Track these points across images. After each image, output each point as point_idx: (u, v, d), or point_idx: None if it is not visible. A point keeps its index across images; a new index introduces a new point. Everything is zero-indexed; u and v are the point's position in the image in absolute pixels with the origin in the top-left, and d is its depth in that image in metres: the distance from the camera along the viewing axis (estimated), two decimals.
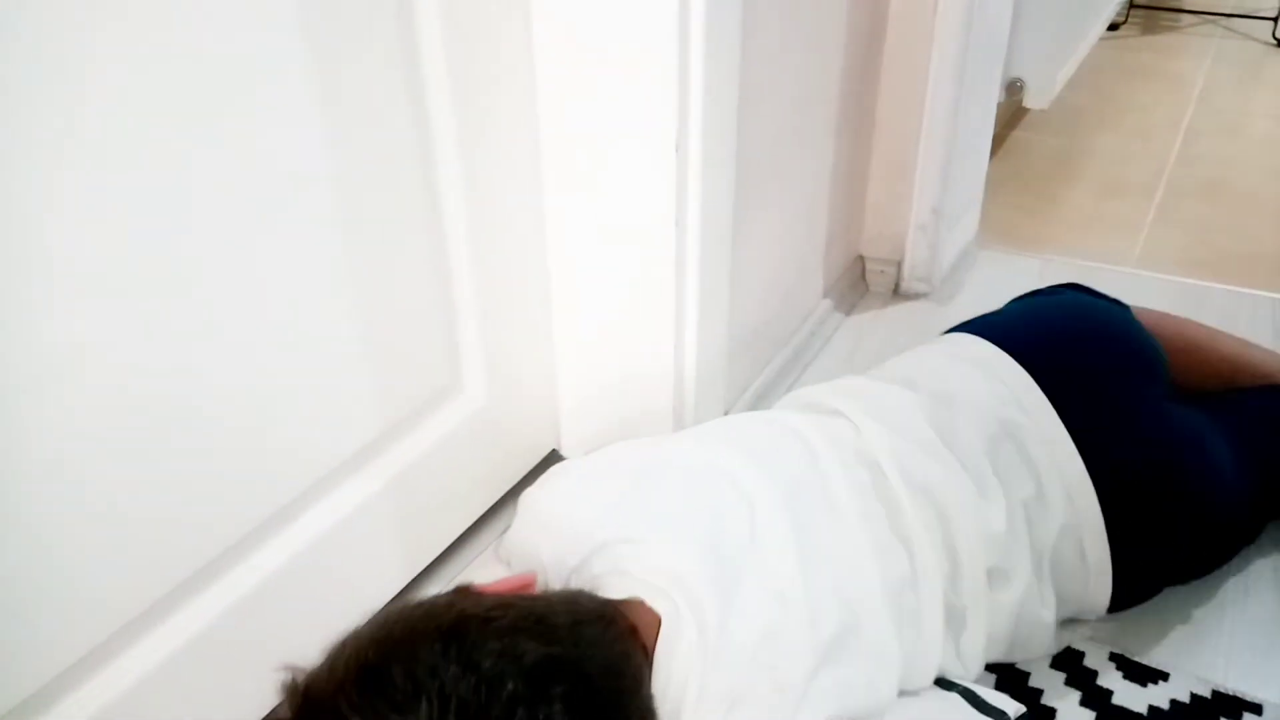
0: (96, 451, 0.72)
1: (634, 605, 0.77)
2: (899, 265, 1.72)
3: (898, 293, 1.74)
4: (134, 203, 0.70)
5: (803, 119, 1.38)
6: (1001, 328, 1.07)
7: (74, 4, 0.62)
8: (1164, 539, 0.99)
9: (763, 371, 1.44)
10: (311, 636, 0.95)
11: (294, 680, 0.64)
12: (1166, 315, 1.28)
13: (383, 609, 0.82)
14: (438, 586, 1.10)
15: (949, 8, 1.50)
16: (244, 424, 0.84)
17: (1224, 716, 0.97)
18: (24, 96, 0.61)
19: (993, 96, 1.80)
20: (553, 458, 1.28)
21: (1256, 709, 0.97)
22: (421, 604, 0.68)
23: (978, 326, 1.10)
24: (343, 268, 0.89)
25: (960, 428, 0.95)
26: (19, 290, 0.65)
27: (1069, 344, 1.06)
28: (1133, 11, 3.43)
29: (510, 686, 0.61)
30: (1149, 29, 3.37)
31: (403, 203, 0.94)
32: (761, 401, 1.42)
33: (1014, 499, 0.94)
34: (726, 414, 1.32)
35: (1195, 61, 3.04)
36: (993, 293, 1.51)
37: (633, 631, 0.74)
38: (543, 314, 1.18)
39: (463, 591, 0.71)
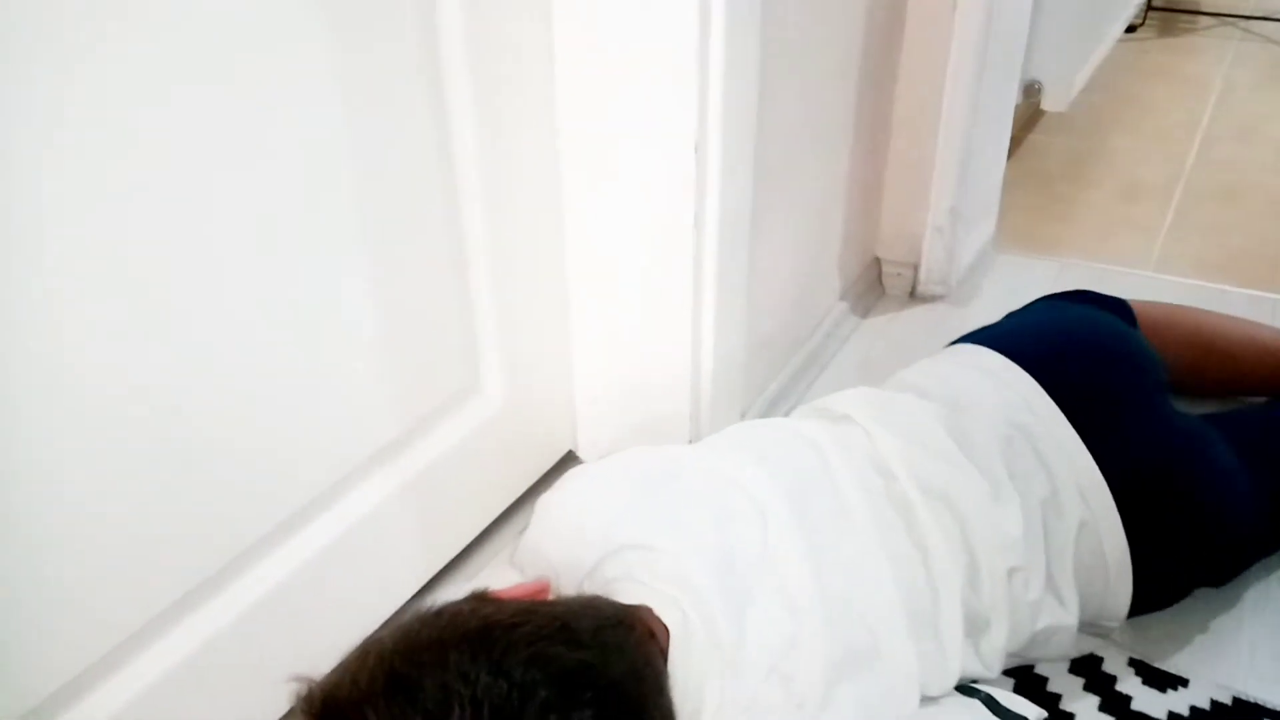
0: (108, 453, 0.72)
1: (645, 612, 0.77)
2: (915, 268, 1.71)
3: (914, 295, 1.73)
4: (140, 195, 0.69)
5: (820, 120, 1.38)
6: (1004, 339, 1.08)
7: None
8: (1176, 540, 0.99)
9: (779, 374, 1.44)
10: (329, 639, 0.95)
11: (309, 691, 0.63)
12: (1176, 306, 1.30)
13: (400, 618, 0.81)
14: (455, 587, 1.10)
15: (968, 10, 1.50)
16: (261, 425, 0.84)
17: None
18: (17, 81, 0.60)
19: (1010, 99, 1.79)
20: (569, 459, 1.28)
21: (1277, 716, 0.96)
22: (443, 611, 0.66)
23: (980, 338, 1.11)
24: (361, 267, 0.89)
25: (973, 432, 0.95)
26: (18, 288, 0.64)
27: (1070, 354, 1.06)
28: (1150, 13, 3.41)
29: (542, 694, 0.60)
30: (1166, 31, 3.36)
31: (420, 201, 0.94)
32: (777, 404, 1.42)
33: (1031, 500, 0.94)
34: (743, 416, 1.32)
35: (1213, 64, 3.02)
36: (1010, 295, 1.51)
37: (650, 636, 0.74)
38: (560, 314, 1.18)
39: (482, 598, 0.70)
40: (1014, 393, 1.00)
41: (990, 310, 1.47)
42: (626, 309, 1.16)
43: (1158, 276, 1.81)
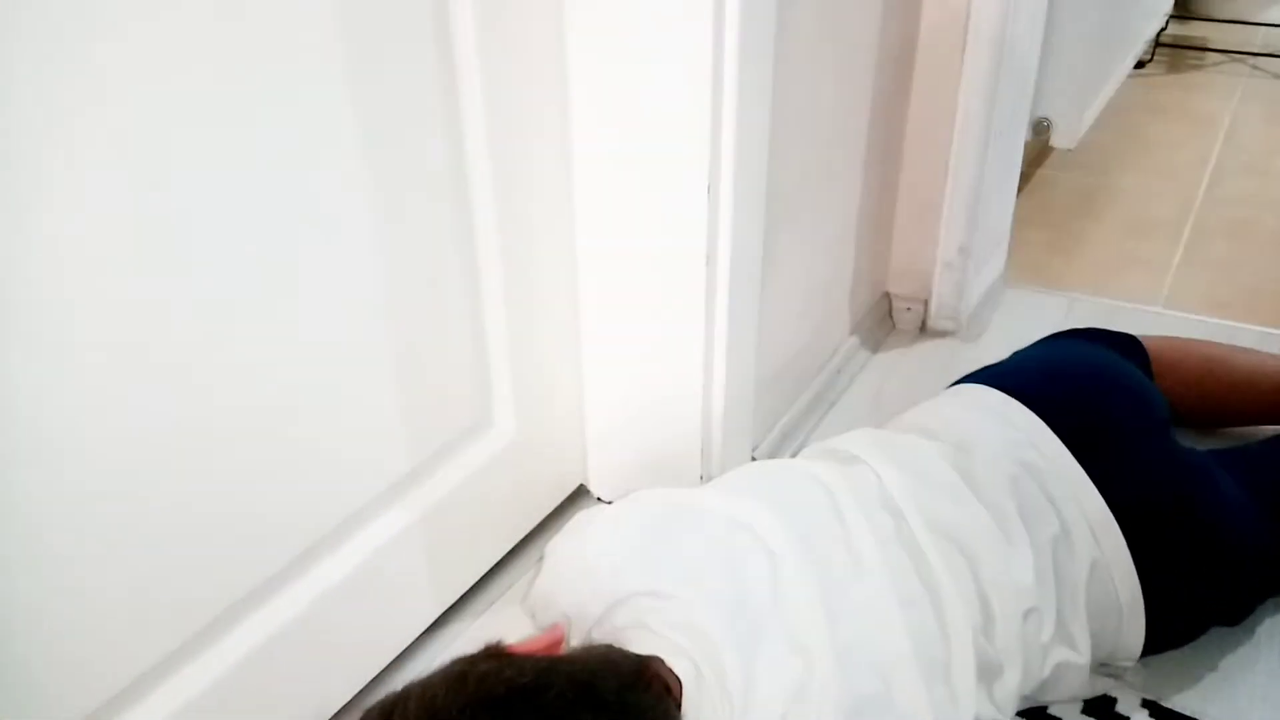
0: (112, 492, 0.72)
1: (657, 663, 0.77)
2: (925, 303, 1.72)
3: (924, 330, 1.74)
4: (152, 226, 0.70)
5: (831, 156, 1.39)
6: (1007, 378, 1.09)
7: None
8: (1186, 575, 0.99)
9: (789, 408, 1.44)
10: (341, 676, 0.96)
11: None
12: (1185, 340, 1.34)
13: (413, 659, 0.79)
14: (466, 622, 1.10)
15: (977, 48, 1.51)
16: (275, 462, 0.84)
17: None
18: (37, 92, 0.60)
19: (1020, 136, 1.80)
20: (581, 492, 1.29)
21: None
22: (466, 675, 0.66)
23: (984, 377, 1.11)
24: (377, 302, 0.90)
25: (981, 472, 0.95)
26: (35, 335, 0.65)
27: (1074, 391, 1.07)
28: (1159, 50, 3.43)
29: None
30: (1175, 67, 3.37)
31: (436, 238, 0.95)
32: (788, 439, 1.42)
33: (1041, 540, 0.94)
34: (754, 450, 1.32)
35: (1222, 100, 3.04)
36: (1020, 331, 1.51)
37: (666, 690, 0.74)
38: (572, 348, 1.19)
39: (499, 655, 0.70)
40: (1020, 432, 1.00)
41: (1000, 345, 1.47)
42: (639, 343, 1.17)
43: (1167, 313, 1.81)
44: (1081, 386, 1.07)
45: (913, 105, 1.61)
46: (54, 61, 0.60)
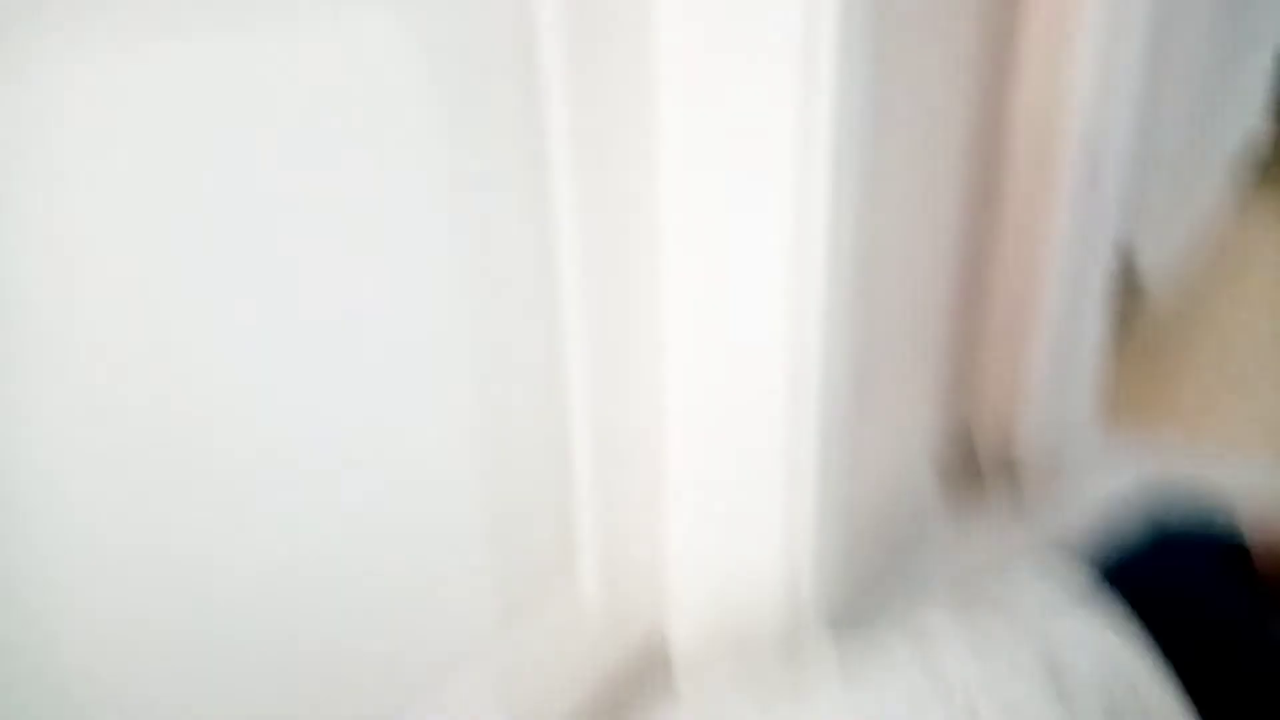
0: (210, 658, 0.73)
1: None
2: (1010, 449, 1.68)
3: (1009, 478, 1.69)
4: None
5: (916, 298, 1.38)
6: (1106, 575, 1.05)
7: None
8: None
9: (874, 564, 1.41)
10: None
11: None
12: None
13: None
14: None
15: (1066, 180, 1.50)
16: (351, 627, 0.85)
17: None
18: (88, 117, 0.60)
19: (1108, 274, 1.77)
20: (660, 650, 1.26)
21: None
22: None
23: (1080, 563, 1.07)
24: (469, 460, 0.91)
25: (1074, 688, 0.92)
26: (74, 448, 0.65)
27: (1169, 610, 1.02)
28: (1253, 165, 3.34)
29: None
30: (1271, 181, 3.29)
31: (528, 390, 0.97)
32: (867, 603, 1.38)
33: None
34: (831, 615, 1.28)
35: None
36: (1108, 480, 1.47)
37: None
38: (656, 505, 1.19)
39: None
40: (1117, 646, 0.96)
41: (1089, 499, 1.43)
42: (723, 503, 1.16)
43: (1267, 465, 1.74)
44: (1178, 607, 1.03)
45: (1000, 243, 1.59)
46: (81, 73, 0.59)
